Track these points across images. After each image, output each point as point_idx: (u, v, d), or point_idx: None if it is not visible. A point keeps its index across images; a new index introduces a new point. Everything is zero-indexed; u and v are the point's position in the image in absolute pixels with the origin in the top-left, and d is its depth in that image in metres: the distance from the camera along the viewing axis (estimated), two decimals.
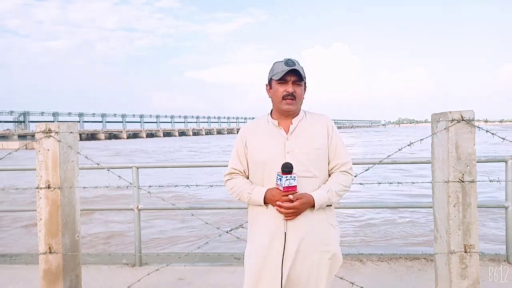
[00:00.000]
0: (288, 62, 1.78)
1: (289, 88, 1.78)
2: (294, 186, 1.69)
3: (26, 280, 3.27)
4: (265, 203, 1.78)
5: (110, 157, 29.25)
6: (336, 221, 1.88)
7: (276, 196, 1.72)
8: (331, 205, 1.82)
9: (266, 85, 1.90)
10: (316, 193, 1.75)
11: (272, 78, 1.82)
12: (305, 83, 1.86)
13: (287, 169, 1.68)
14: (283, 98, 1.79)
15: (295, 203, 1.70)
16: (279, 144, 1.81)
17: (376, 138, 47.59)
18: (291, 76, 1.78)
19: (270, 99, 1.89)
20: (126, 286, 2.90)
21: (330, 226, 1.82)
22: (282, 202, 1.71)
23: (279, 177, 1.71)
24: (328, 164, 1.86)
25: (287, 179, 1.68)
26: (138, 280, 2.86)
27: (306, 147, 1.80)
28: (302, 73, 1.79)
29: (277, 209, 1.74)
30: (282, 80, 1.79)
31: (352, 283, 2.44)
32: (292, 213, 1.72)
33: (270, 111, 1.92)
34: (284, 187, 1.68)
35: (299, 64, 1.81)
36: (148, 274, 2.93)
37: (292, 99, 1.79)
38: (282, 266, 1.74)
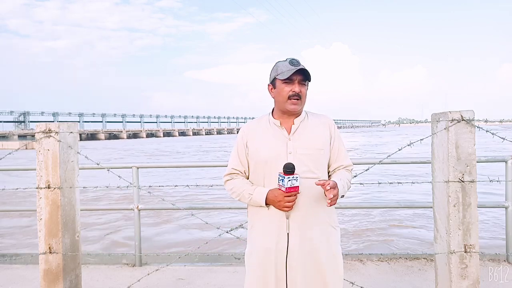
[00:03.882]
0: (293, 61, 1.77)
1: (296, 87, 1.76)
2: (296, 186, 1.67)
3: (26, 280, 3.27)
4: (266, 204, 1.76)
5: (136, 157, 28.56)
6: (337, 222, 1.87)
7: (279, 197, 1.70)
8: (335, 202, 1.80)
9: (269, 85, 1.87)
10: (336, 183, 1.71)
11: (277, 77, 1.79)
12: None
13: (289, 169, 1.65)
14: (289, 98, 1.77)
15: (335, 192, 1.65)
16: (281, 144, 1.79)
17: (387, 139, 44.49)
18: (297, 76, 1.76)
19: (273, 99, 1.87)
20: (126, 286, 2.90)
21: (331, 227, 1.82)
22: (285, 203, 1.69)
23: (281, 178, 1.68)
24: (329, 165, 1.86)
25: (289, 180, 1.65)
26: (138, 280, 2.86)
27: (308, 148, 1.79)
28: (309, 73, 1.78)
29: (284, 206, 1.71)
30: (288, 80, 1.76)
31: (352, 283, 2.44)
32: (334, 200, 1.67)
33: (271, 111, 1.90)
34: (286, 188, 1.66)
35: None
36: (148, 274, 2.94)
37: (298, 99, 1.77)
38: (286, 267, 1.73)
